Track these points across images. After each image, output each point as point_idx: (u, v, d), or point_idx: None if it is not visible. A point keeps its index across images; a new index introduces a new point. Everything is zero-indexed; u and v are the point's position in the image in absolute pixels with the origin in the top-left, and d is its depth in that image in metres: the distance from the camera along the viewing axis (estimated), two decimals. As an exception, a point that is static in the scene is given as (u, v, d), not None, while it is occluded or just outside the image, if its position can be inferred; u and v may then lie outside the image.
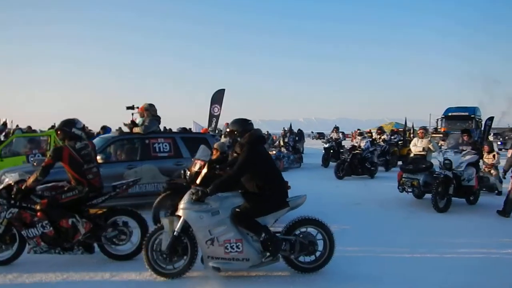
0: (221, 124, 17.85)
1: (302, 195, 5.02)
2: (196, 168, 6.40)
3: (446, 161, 8.94)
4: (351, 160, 14.76)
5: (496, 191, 10.99)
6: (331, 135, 20.85)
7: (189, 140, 9.02)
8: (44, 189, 5.15)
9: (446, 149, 9.54)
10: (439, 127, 29.57)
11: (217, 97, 17.81)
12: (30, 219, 4.95)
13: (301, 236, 4.91)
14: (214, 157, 6.96)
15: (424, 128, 11.69)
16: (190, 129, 16.51)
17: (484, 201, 9.62)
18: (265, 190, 4.70)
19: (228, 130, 5.02)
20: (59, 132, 5.26)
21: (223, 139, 8.37)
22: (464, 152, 9.21)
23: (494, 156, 11.44)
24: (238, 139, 4.91)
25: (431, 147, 10.72)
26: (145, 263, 4.74)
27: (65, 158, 5.07)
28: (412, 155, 11.26)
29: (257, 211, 4.71)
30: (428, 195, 9.37)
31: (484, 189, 10.50)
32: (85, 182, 5.15)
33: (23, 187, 4.95)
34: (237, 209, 4.66)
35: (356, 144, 15.58)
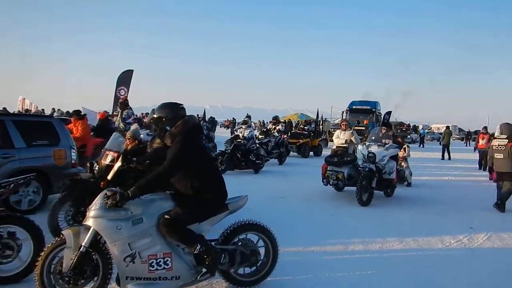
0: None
1: (243, 196, 4.26)
2: (107, 161, 5.42)
3: (370, 154, 8.85)
4: (232, 152, 12.69)
5: (406, 183, 11.30)
6: (268, 127, 19.90)
7: (25, 125, 7.17)
8: None
9: (369, 143, 9.45)
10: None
11: (124, 79, 16.26)
12: None
13: (241, 245, 4.15)
14: (129, 147, 5.94)
15: (346, 121, 11.66)
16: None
17: (397, 193, 9.72)
18: (201, 191, 3.85)
19: (154, 116, 4.00)
20: None
21: (134, 127, 7.15)
22: (387, 146, 9.21)
23: (405, 149, 11.77)
24: (168, 128, 3.94)
25: (353, 140, 10.72)
26: (38, 289, 3.59)
27: None
28: (334, 147, 11.17)
29: (192, 217, 3.84)
30: (347, 188, 9.26)
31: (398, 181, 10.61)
32: None
33: None
34: (166, 216, 3.73)
35: (240, 134, 13.53)
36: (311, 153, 20.01)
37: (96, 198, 3.70)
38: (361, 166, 9.00)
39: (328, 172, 9.20)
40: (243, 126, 13.84)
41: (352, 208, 8.17)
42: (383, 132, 9.78)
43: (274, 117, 19.58)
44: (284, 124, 21.34)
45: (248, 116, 19.31)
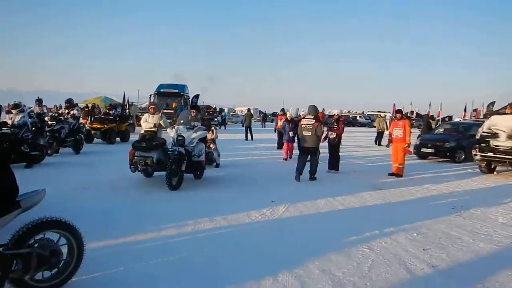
0: None
1: (40, 190, 3.73)
2: None
3: (179, 138, 8.77)
4: None
5: (215, 164, 11.74)
6: (33, 108, 16.94)
7: None
8: None
9: (178, 126, 9.38)
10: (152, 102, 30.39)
11: None
12: None
13: (38, 246, 3.57)
14: None
15: (154, 104, 11.38)
16: None
17: (206, 174, 9.98)
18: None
19: None
20: None
21: None
22: (195, 128, 9.26)
23: (213, 131, 12.24)
24: None
25: (162, 123, 10.48)
26: None
27: None
28: (142, 131, 10.81)
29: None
30: (157, 173, 9.17)
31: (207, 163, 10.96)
32: None
33: None
34: None
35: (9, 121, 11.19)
36: (118, 139, 19.05)
37: None
38: (170, 150, 8.89)
39: (136, 158, 8.81)
40: (14, 111, 11.37)
41: (162, 193, 8.02)
42: (192, 115, 9.85)
43: (68, 100, 17.04)
44: (80, 109, 19.13)
45: (39, 100, 16.80)
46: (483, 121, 16.56)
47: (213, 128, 12.46)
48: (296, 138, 12.71)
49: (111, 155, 14.18)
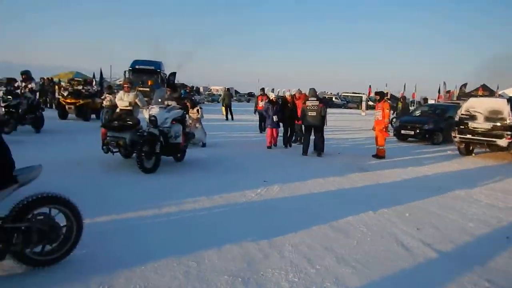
0: None
1: (36, 166, 3.63)
2: None
3: (152, 118, 8.21)
4: None
5: (201, 143, 11.61)
6: None
7: None
8: None
9: (152, 105, 8.88)
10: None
11: None
12: None
13: (37, 220, 3.51)
14: None
15: (129, 82, 10.85)
16: None
17: (190, 157, 9.64)
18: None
19: None
20: None
21: None
22: (169, 107, 8.80)
23: (198, 111, 11.94)
24: None
25: (138, 102, 10.03)
26: None
27: None
28: (118, 110, 10.36)
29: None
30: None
31: (190, 142, 10.67)
32: None
33: None
34: None
35: None
36: (93, 116, 18.28)
37: None
38: (141, 130, 8.34)
39: (108, 138, 8.31)
40: None
41: (139, 175, 7.58)
42: (168, 94, 9.43)
43: (24, 71, 15.01)
44: (36, 82, 17.70)
45: None
46: (458, 103, 16.98)
47: (198, 107, 12.14)
48: (281, 122, 12.61)
49: (80, 133, 13.24)
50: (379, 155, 11.22)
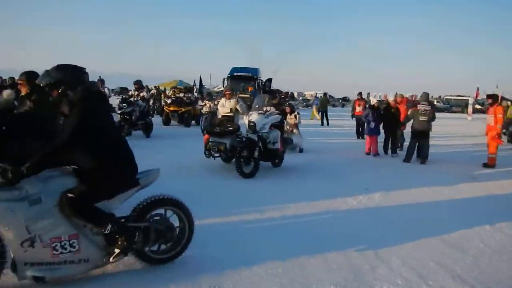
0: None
1: (155, 169, 3.87)
2: None
3: (251, 123, 8.41)
4: None
5: (299, 149, 11.51)
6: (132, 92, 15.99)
7: None
8: None
9: (251, 111, 9.13)
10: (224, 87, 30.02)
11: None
12: None
13: (155, 221, 3.79)
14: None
15: (231, 89, 11.23)
16: None
17: (288, 162, 9.57)
18: (108, 165, 3.36)
19: (49, 80, 3.35)
20: None
21: (7, 94, 5.79)
22: (267, 113, 8.93)
23: (295, 116, 11.93)
24: (69, 93, 3.35)
25: (239, 108, 10.30)
26: None
27: None
28: (220, 116, 10.73)
29: (99, 194, 3.38)
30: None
31: (288, 147, 10.68)
32: None
33: None
34: (69, 194, 3.23)
35: None
36: (193, 122, 18.82)
37: (-20, 177, 3.06)
38: (241, 136, 8.46)
39: (210, 143, 8.59)
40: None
41: (239, 180, 7.77)
42: (267, 100, 9.53)
43: (137, 81, 16.08)
44: (149, 91, 18.66)
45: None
46: None
47: (295, 113, 12.13)
48: (382, 129, 11.92)
49: (182, 139, 13.78)
50: (489, 164, 10.36)
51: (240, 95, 19.33)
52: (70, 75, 3.37)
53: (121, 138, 3.68)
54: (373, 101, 13.26)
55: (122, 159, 3.51)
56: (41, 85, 3.42)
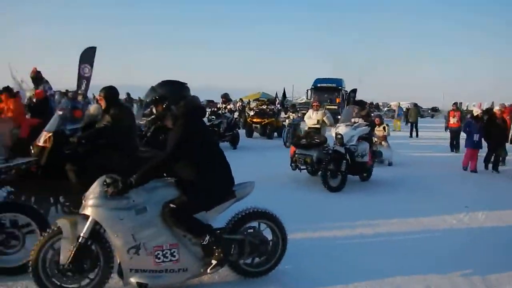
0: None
1: (250, 182, 3.90)
2: (40, 142, 4.75)
3: (338, 136, 8.17)
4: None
5: (388, 162, 11.08)
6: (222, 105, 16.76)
7: None
8: None
9: (340, 124, 8.88)
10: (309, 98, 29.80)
11: (87, 56, 15.11)
12: None
13: (250, 234, 3.82)
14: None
15: (318, 100, 11.18)
16: None
17: (377, 176, 9.24)
18: (207, 177, 3.47)
19: (154, 96, 3.55)
20: None
21: (94, 108, 6.19)
22: (355, 125, 8.57)
23: (384, 128, 11.54)
24: (172, 107, 3.51)
25: (326, 120, 10.18)
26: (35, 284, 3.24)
27: None
28: (306, 128, 10.68)
29: (198, 205, 3.49)
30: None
31: (376, 160, 10.12)
32: None
33: None
34: (171, 205, 3.37)
35: None
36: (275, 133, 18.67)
37: (93, 185, 3.31)
38: (327, 148, 8.30)
39: (296, 155, 8.50)
40: None
41: (326, 193, 7.60)
42: (355, 111, 9.20)
43: (224, 94, 16.92)
44: (235, 103, 19.27)
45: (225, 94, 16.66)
46: None
47: (384, 125, 11.72)
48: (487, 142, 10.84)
49: (266, 150, 13.68)
50: None
51: (327, 107, 19.05)
52: (173, 91, 3.53)
53: (219, 151, 3.77)
54: (476, 111, 12.13)
55: (220, 172, 3.61)
56: (147, 100, 3.62)
